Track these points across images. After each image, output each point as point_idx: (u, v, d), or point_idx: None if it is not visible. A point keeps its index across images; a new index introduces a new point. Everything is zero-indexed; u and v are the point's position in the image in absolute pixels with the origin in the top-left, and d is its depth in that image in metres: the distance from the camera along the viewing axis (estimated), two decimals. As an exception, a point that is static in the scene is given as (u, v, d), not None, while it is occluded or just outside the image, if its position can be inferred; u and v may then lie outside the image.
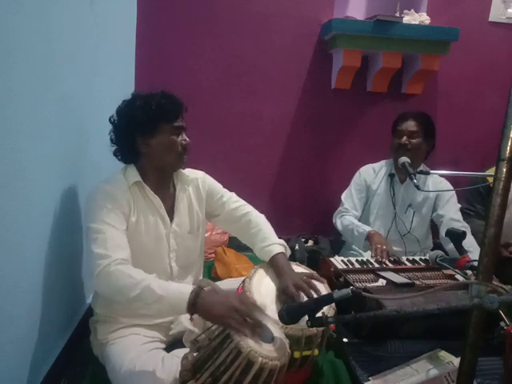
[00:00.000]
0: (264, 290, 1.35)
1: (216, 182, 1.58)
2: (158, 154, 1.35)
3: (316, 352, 1.26)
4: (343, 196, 2.22)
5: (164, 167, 1.40)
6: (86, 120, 1.65)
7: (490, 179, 2.22)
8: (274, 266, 1.42)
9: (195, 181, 1.52)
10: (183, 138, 1.38)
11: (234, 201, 1.56)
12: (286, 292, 1.31)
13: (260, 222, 1.54)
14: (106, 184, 1.33)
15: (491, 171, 2.38)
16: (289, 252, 1.50)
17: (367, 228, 2.01)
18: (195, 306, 1.10)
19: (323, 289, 1.39)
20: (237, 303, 1.10)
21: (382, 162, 2.21)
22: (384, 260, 1.80)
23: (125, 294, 1.13)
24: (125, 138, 1.36)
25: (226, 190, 1.59)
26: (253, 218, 1.54)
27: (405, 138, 2.02)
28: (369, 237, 1.95)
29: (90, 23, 1.65)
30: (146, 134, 1.33)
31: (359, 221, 2.16)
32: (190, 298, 1.10)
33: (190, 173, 1.51)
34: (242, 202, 1.58)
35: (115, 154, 1.41)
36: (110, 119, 1.39)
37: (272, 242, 1.46)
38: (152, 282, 1.13)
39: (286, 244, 1.50)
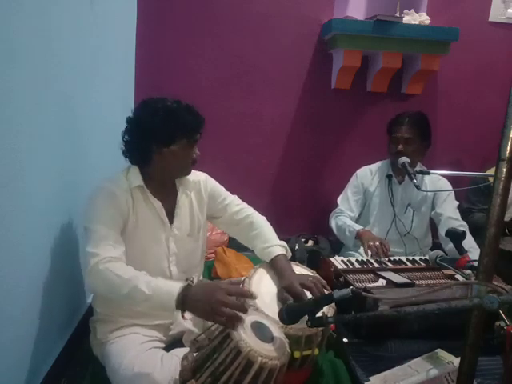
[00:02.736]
0: (264, 289, 1.35)
1: (218, 185, 1.58)
2: (168, 163, 1.35)
3: (316, 351, 1.26)
4: (339, 199, 2.22)
5: (171, 176, 1.42)
6: (86, 120, 1.65)
7: (491, 179, 2.23)
8: (275, 268, 1.41)
9: (197, 184, 1.51)
10: (195, 151, 1.39)
11: (235, 204, 1.56)
12: (291, 290, 1.29)
13: (261, 223, 1.54)
14: (107, 182, 1.34)
15: (491, 171, 2.39)
16: (289, 254, 1.50)
17: (357, 227, 2.02)
18: (184, 304, 1.08)
19: None
20: (221, 296, 1.06)
21: (379, 163, 2.21)
22: (382, 257, 1.80)
23: (115, 292, 1.14)
24: (140, 143, 1.34)
25: (228, 192, 1.58)
26: (254, 219, 1.54)
27: (400, 146, 2.00)
28: (358, 235, 1.96)
29: (89, 23, 1.65)
30: (163, 143, 1.32)
31: (358, 223, 2.16)
32: (177, 297, 1.08)
33: (192, 175, 1.50)
34: (243, 204, 1.58)
35: (124, 153, 1.40)
36: (127, 119, 1.36)
37: (273, 244, 1.46)
38: (140, 282, 1.12)
39: (287, 246, 1.50)
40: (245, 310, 1.07)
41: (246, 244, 1.57)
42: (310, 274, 1.47)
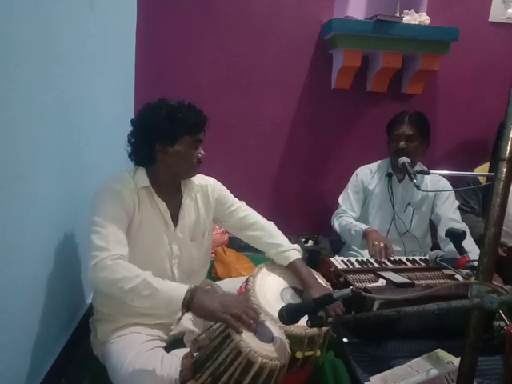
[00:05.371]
0: (268, 288, 1.36)
1: (226, 190, 1.58)
2: (173, 162, 1.36)
3: (318, 353, 1.27)
4: (340, 198, 2.22)
5: (176, 176, 1.42)
6: (86, 120, 1.65)
7: (481, 179, 2.26)
8: (296, 273, 1.44)
9: (204, 188, 1.52)
10: (199, 150, 1.39)
11: (242, 210, 1.57)
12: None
13: (271, 229, 1.56)
14: (114, 183, 1.34)
15: (481, 169, 2.39)
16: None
17: (364, 226, 2.01)
18: (191, 301, 1.11)
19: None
20: (233, 300, 1.13)
21: (378, 162, 2.21)
22: (383, 259, 1.80)
23: (120, 286, 1.14)
24: (144, 143, 1.36)
25: (236, 198, 1.59)
26: (265, 224, 1.56)
27: (402, 142, 2.01)
28: (365, 234, 1.96)
29: (89, 23, 1.65)
30: (166, 142, 1.34)
31: (358, 221, 2.15)
32: (186, 293, 1.12)
33: (199, 179, 1.51)
34: (250, 210, 1.59)
35: (130, 155, 1.41)
36: (131, 121, 1.39)
37: (289, 248, 1.49)
38: (149, 276, 1.16)
39: (299, 248, 1.52)
40: (257, 314, 1.12)
41: (257, 247, 1.58)
42: (323, 283, 1.47)
